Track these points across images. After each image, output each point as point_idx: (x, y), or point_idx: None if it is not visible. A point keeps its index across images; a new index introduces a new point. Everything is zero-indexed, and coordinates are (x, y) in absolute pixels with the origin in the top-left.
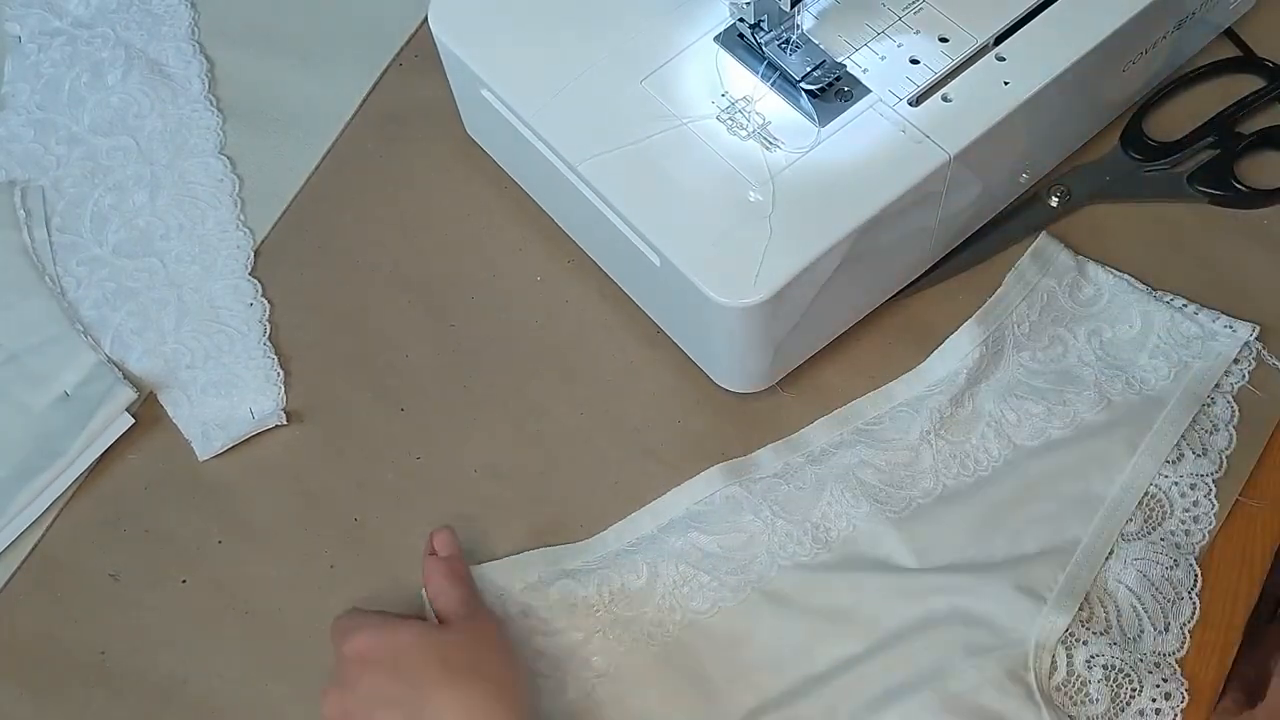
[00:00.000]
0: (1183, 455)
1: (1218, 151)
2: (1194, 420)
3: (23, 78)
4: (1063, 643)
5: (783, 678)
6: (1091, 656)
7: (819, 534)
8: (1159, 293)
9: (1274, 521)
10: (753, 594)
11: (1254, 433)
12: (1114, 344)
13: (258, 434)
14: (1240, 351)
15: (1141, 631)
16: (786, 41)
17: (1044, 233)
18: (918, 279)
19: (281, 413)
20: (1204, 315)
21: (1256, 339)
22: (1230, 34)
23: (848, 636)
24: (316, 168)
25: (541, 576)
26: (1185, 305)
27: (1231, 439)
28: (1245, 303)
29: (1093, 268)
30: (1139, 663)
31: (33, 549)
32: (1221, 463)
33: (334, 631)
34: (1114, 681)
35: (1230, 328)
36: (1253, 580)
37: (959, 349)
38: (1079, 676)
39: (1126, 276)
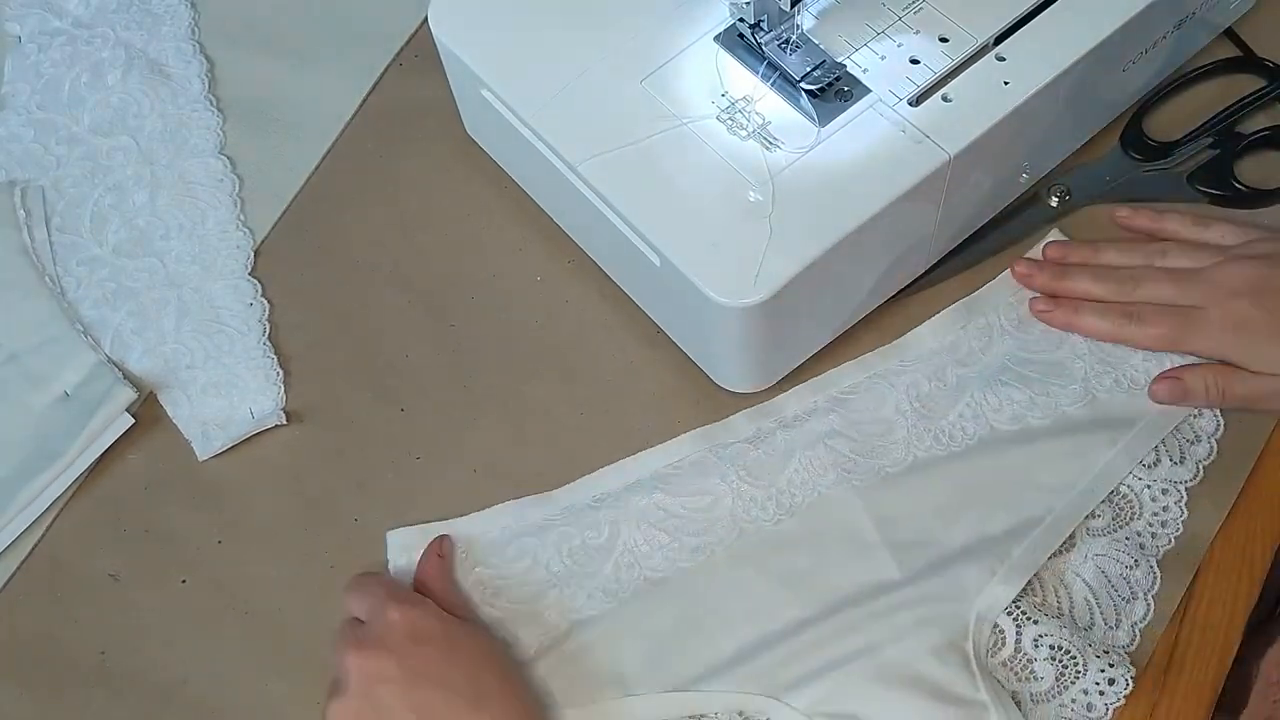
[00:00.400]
0: (1160, 460)
1: (1218, 151)
2: (1177, 428)
3: (23, 78)
4: (1013, 619)
5: (734, 638)
6: (1039, 636)
7: (783, 499)
8: None
9: (1274, 521)
10: (712, 556)
11: (1249, 441)
12: None
13: (258, 434)
14: None
15: (1092, 624)
16: (786, 41)
17: (1055, 229)
18: (918, 279)
19: (281, 413)
20: None
21: None
22: (1230, 34)
23: (800, 601)
24: (316, 168)
25: (503, 532)
26: None
27: (1212, 450)
28: None
29: None
30: (1087, 647)
31: (33, 549)
32: (1198, 472)
33: (374, 590)
34: (1059, 661)
35: None
36: (1253, 580)
37: (940, 327)
38: (1025, 654)
39: None
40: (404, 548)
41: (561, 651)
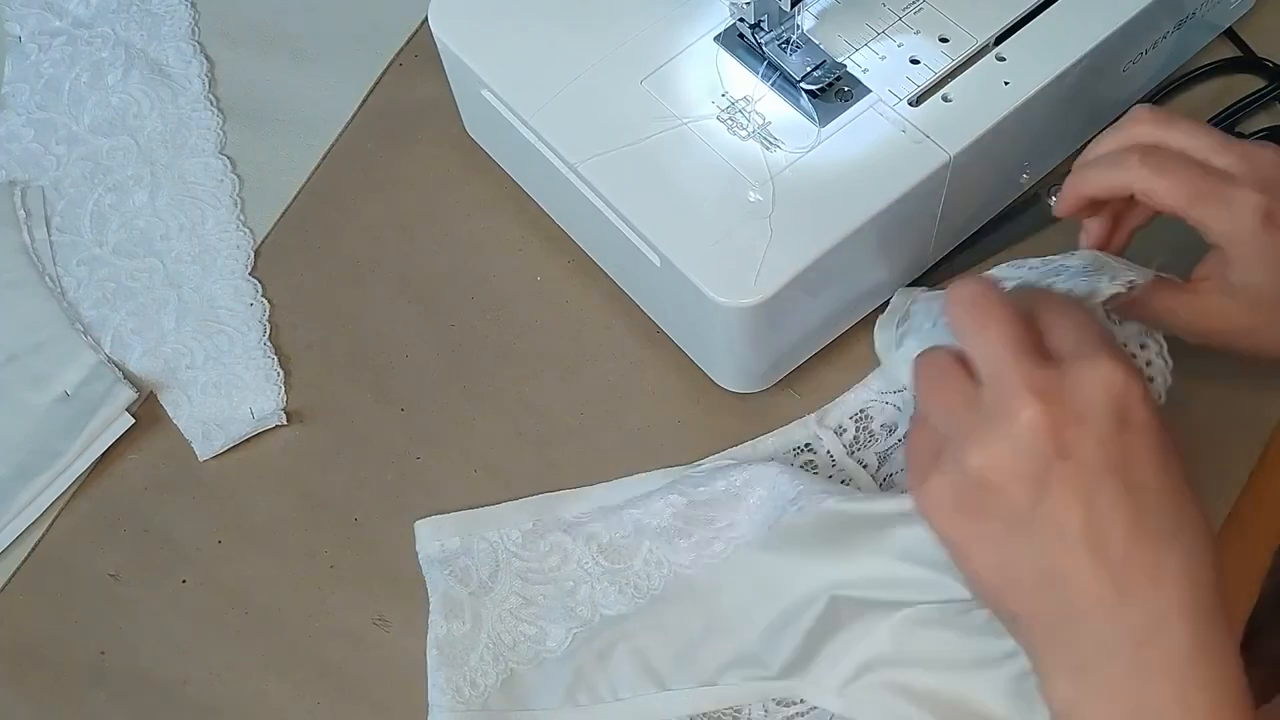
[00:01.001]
0: None
1: None
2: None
3: (23, 78)
4: None
5: (755, 627)
6: None
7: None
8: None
9: (1274, 521)
10: (737, 549)
11: (1249, 441)
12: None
13: (258, 434)
14: None
15: None
16: (786, 41)
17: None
18: (918, 279)
19: (281, 413)
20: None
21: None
22: (1230, 34)
23: (828, 592)
24: (316, 168)
25: (535, 525)
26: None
27: None
28: None
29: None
30: None
31: (33, 549)
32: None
33: (1081, 325)
34: None
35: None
36: (1253, 580)
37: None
38: None
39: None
40: (434, 537)
41: (593, 646)
